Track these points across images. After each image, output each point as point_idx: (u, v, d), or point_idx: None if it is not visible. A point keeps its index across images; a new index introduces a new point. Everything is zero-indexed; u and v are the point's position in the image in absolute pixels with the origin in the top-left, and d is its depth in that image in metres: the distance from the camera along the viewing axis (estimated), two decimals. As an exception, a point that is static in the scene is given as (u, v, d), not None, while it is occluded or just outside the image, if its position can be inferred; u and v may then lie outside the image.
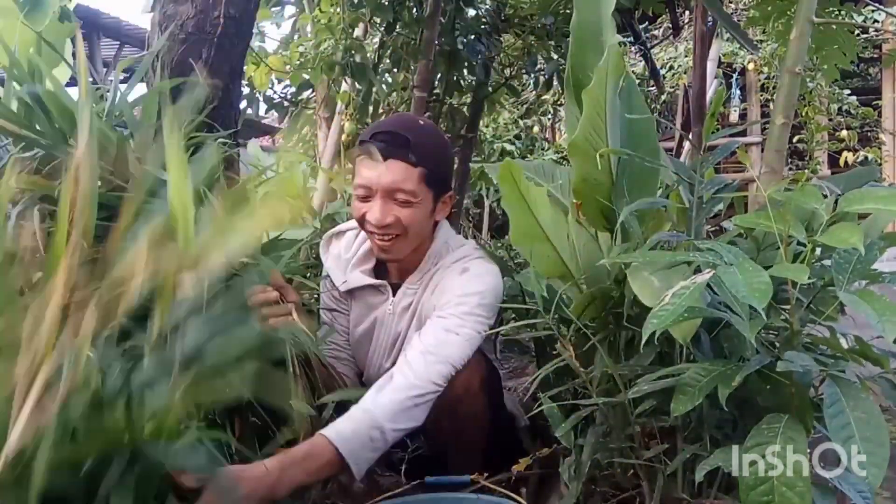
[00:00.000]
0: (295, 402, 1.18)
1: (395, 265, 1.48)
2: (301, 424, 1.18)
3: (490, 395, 1.44)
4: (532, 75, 3.28)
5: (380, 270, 1.51)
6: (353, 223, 1.55)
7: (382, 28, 2.88)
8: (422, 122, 1.45)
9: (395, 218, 1.34)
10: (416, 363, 1.28)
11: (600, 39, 1.35)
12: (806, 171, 6.82)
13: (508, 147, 5.41)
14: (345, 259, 1.52)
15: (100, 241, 1.16)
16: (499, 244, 4.47)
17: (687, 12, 3.62)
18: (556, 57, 2.96)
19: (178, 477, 0.94)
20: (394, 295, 1.48)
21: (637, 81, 1.48)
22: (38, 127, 1.12)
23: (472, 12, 2.92)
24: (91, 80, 1.32)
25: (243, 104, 3.01)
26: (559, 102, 5.32)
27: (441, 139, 1.46)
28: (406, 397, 1.23)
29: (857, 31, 3.26)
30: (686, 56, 6.19)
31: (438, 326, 1.34)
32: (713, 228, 2.22)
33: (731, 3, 5.08)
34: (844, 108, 6.97)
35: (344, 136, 3.01)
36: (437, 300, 1.40)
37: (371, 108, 2.96)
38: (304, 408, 1.18)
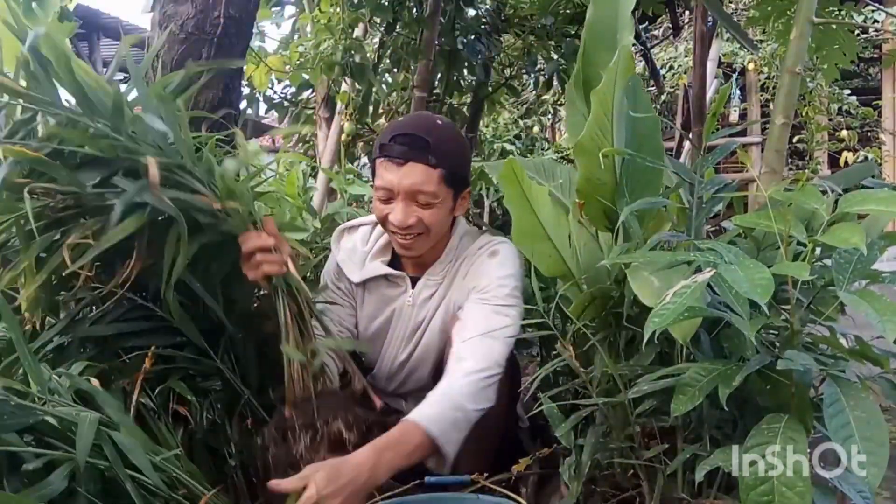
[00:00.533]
0: (286, 348, 1.20)
1: (412, 260, 1.49)
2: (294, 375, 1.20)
3: (511, 383, 1.46)
4: (532, 75, 3.28)
5: (395, 264, 1.52)
6: (365, 218, 1.57)
7: (382, 28, 2.88)
8: (440, 122, 1.45)
9: (417, 219, 1.35)
10: (479, 347, 1.31)
11: (615, 38, 1.35)
12: (806, 171, 6.82)
13: (508, 147, 5.40)
14: (361, 251, 1.53)
15: (100, 211, 1.15)
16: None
17: (687, 12, 3.61)
18: (556, 57, 2.96)
19: None
20: (412, 287, 1.49)
21: (637, 81, 1.48)
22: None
23: (472, 12, 2.92)
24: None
25: (243, 104, 3.01)
26: (559, 102, 5.32)
27: (459, 137, 1.47)
28: (479, 378, 1.27)
29: (857, 31, 3.27)
30: (686, 56, 6.19)
31: (487, 310, 1.36)
32: (713, 228, 2.22)
33: (731, 3, 5.08)
34: (844, 108, 6.96)
35: (344, 136, 3.01)
36: (473, 283, 1.42)
37: (371, 108, 2.96)
38: (296, 354, 1.19)
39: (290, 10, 3.30)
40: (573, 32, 2.95)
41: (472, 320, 1.36)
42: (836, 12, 2.48)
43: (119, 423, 1.02)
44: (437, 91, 2.93)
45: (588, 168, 1.29)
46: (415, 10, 2.76)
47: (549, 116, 6.44)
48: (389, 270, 1.49)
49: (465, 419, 1.23)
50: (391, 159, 1.33)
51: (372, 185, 1.47)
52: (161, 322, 1.29)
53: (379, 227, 1.50)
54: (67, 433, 0.96)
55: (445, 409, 1.22)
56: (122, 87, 1.19)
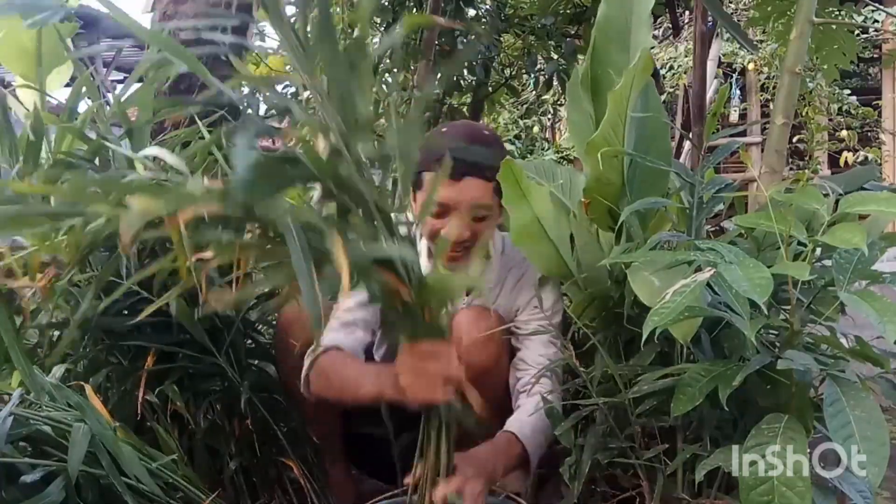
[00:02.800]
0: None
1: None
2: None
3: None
4: (532, 75, 3.28)
5: None
6: None
7: (382, 28, 2.88)
8: (487, 133, 1.44)
9: (473, 232, 1.35)
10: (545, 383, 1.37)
11: (628, 37, 1.33)
12: (806, 171, 6.81)
13: (508, 147, 5.41)
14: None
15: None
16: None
17: (687, 12, 3.61)
18: (556, 57, 2.96)
19: None
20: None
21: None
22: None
23: (472, 12, 2.92)
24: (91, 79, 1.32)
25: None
26: (559, 102, 5.32)
27: (502, 146, 1.45)
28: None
29: (857, 31, 3.26)
30: (686, 56, 6.18)
31: (545, 339, 1.41)
32: (713, 228, 2.22)
33: (731, 3, 5.08)
34: (844, 108, 6.95)
35: (344, 137, 3.00)
36: (526, 300, 1.46)
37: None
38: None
39: (289, 10, 3.30)
40: (573, 32, 2.95)
41: (533, 354, 1.39)
42: (836, 12, 2.48)
43: (109, 433, 1.01)
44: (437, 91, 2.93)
45: (598, 168, 1.28)
46: (415, 10, 2.76)
47: (549, 116, 6.44)
48: None
49: (546, 443, 1.32)
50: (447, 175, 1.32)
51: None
52: (164, 318, 1.29)
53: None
54: (63, 440, 0.95)
55: (538, 429, 1.29)
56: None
